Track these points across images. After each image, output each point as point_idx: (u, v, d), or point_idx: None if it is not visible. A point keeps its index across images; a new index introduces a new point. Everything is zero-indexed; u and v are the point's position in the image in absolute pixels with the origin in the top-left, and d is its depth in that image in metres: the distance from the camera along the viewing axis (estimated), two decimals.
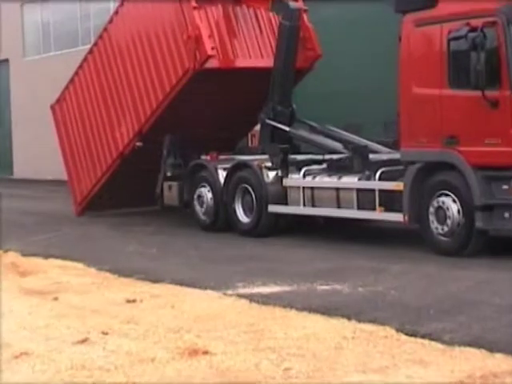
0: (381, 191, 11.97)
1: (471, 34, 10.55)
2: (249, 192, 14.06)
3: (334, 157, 13.44)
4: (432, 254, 11.09)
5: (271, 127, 14.54)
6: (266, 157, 14.10)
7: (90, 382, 6.12)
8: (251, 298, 8.78)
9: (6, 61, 34.89)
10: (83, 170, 17.74)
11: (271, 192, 13.70)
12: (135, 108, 15.95)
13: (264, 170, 13.82)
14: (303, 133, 14.63)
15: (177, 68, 14.81)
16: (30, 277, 10.66)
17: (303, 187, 13.25)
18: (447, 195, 11.09)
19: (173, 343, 7.00)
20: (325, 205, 12.90)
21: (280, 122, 14.44)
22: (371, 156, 12.92)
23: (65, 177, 18.84)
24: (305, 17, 14.95)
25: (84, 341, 7.18)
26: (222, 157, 15.02)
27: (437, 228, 11.18)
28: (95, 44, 17.37)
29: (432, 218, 11.24)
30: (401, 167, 11.87)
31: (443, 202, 11.10)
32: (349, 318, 7.66)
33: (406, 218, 11.54)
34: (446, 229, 11.10)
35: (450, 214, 11.02)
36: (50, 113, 18.88)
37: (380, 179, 12.12)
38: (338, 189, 12.69)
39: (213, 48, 14.29)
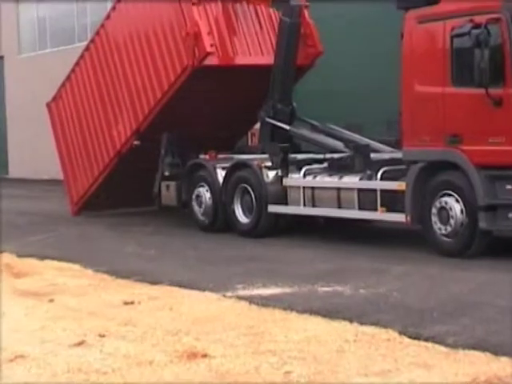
0: (382, 191, 11.96)
1: (475, 31, 10.53)
2: (248, 192, 14.05)
3: (335, 156, 13.42)
4: (435, 255, 11.08)
5: (271, 126, 14.52)
6: (265, 156, 14.08)
7: None
8: (251, 299, 8.77)
9: (1, 58, 34.90)
10: (80, 169, 17.73)
11: (271, 192, 13.68)
12: (133, 106, 15.93)
13: (264, 170, 13.81)
14: (304, 131, 14.61)
15: (175, 65, 14.79)
16: (25, 278, 10.65)
17: (303, 187, 13.23)
18: (450, 195, 11.07)
19: (171, 346, 6.98)
20: (325, 205, 12.88)
21: (280, 121, 14.42)
22: (373, 155, 12.91)
23: (61, 176, 18.82)
24: (306, 13, 14.93)
25: (80, 343, 7.18)
26: (220, 156, 15.01)
27: (440, 229, 11.17)
28: (92, 41, 17.35)
29: (435, 218, 11.22)
30: (403, 167, 11.86)
31: (446, 202, 11.09)
32: (350, 321, 7.64)
33: (409, 218, 11.52)
34: (448, 229, 11.09)
35: (453, 214, 11.01)
36: (45, 111, 18.86)
37: (382, 179, 12.10)
38: (338, 189, 12.68)
39: (212, 45, 14.27)
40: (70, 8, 30.57)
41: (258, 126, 15.58)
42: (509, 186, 10.49)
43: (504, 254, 10.92)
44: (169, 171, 15.49)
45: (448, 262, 10.66)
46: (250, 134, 18.31)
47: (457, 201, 11.00)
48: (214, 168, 14.64)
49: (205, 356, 6.64)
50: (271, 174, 13.78)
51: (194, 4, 14.50)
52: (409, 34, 11.63)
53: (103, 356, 6.76)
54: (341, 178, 12.75)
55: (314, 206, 13.09)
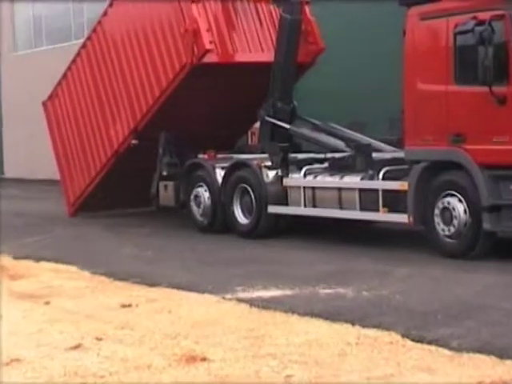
0: (384, 191, 11.95)
1: (478, 28, 10.52)
2: (248, 192, 14.03)
3: (336, 155, 13.40)
4: (438, 257, 11.07)
5: (271, 125, 14.51)
6: (265, 156, 14.07)
7: None
8: (251, 302, 8.76)
9: None
10: (76, 169, 17.72)
11: (271, 192, 13.67)
12: (130, 104, 15.92)
13: (263, 170, 13.80)
14: (304, 130, 14.59)
15: (174, 63, 14.77)
16: (21, 280, 10.64)
17: (304, 187, 13.22)
18: (453, 195, 11.06)
19: (170, 349, 6.97)
20: (326, 205, 12.87)
21: (280, 120, 14.41)
22: (374, 155, 12.90)
23: (58, 176, 18.80)
24: (307, 9, 14.92)
25: (77, 347, 7.17)
26: (219, 155, 15.00)
27: (443, 230, 11.15)
28: (89, 38, 17.33)
29: (438, 219, 11.21)
30: (405, 166, 11.85)
31: (449, 203, 11.07)
32: (353, 323, 7.64)
33: (411, 219, 11.51)
34: (452, 230, 11.08)
35: (457, 214, 10.99)
36: (41, 109, 18.84)
37: (384, 179, 12.09)
38: (339, 189, 12.67)
39: (211, 42, 14.26)
40: (66, 4, 30.53)
41: (258, 124, 15.57)
42: None
43: (509, 256, 10.91)
44: (167, 171, 15.48)
45: (451, 264, 10.65)
46: (249, 133, 18.30)
47: (460, 201, 10.99)
48: (213, 168, 14.63)
49: (204, 360, 6.62)
50: (271, 173, 13.77)
51: (193, 1, 14.48)
52: (411, 31, 11.61)
53: (100, 360, 6.75)
54: (342, 177, 12.74)
55: (314, 206, 13.08)
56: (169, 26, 14.93)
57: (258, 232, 13.84)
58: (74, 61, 17.62)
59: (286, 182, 13.61)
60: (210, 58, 14.37)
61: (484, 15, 10.58)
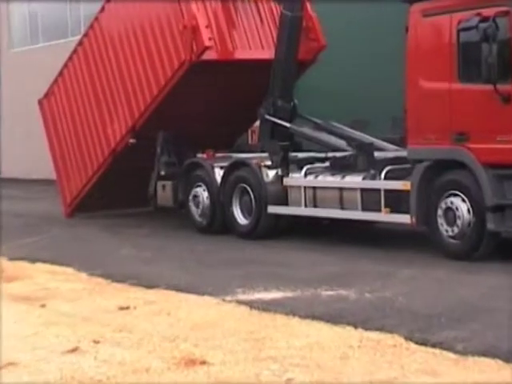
0: (387, 191, 11.93)
1: (482, 25, 10.50)
2: (247, 192, 14.02)
3: (338, 155, 13.38)
4: (441, 258, 11.06)
5: (271, 123, 14.48)
6: (265, 155, 14.06)
7: None
8: (251, 304, 8.75)
9: None
10: (73, 169, 17.70)
11: (271, 192, 13.65)
12: (128, 103, 15.89)
13: (263, 169, 13.78)
14: (305, 129, 14.57)
15: (172, 60, 14.74)
16: (17, 282, 10.63)
17: (304, 187, 13.21)
18: (457, 195, 11.04)
19: (168, 352, 6.96)
20: (327, 205, 12.86)
21: (280, 118, 14.39)
22: (376, 154, 12.88)
23: (54, 176, 18.77)
24: (308, 6, 14.90)
25: (74, 350, 7.16)
26: (218, 155, 14.99)
27: (446, 230, 11.13)
28: (86, 34, 17.30)
29: (441, 219, 11.19)
30: (408, 166, 11.83)
31: (452, 203, 11.06)
32: (355, 326, 7.62)
33: (414, 219, 11.49)
34: (455, 231, 11.06)
35: (460, 215, 10.98)
36: (38, 108, 18.81)
37: (386, 178, 12.07)
38: (341, 188, 12.65)
39: (210, 39, 14.23)
40: (62, 1, 30.50)
41: (258, 123, 15.54)
42: None
43: None
44: (165, 170, 15.46)
45: (455, 265, 10.64)
46: (250, 132, 18.29)
47: (463, 201, 10.97)
48: (212, 167, 14.61)
49: (203, 363, 6.62)
50: (271, 173, 13.75)
51: None
52: (414, 28, 11.60)
53: (98, 363, 6.75)
54: (343, 177, 12.72)
55: (315, 206, 13.06)
56: (167, 23, 14.90)
57: (258, 233, 13.82)
58: (70, 58, 17.60)
59: (287, 181, 13.59)
60: (210, 55, 14.34)
61: (488, 11, 10.56)
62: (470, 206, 10.91)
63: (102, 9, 16.76)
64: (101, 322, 8.18)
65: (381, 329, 7.48)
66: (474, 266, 10.53)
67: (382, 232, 13.95)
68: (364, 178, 12.39)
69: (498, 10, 10.53)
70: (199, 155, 15.11)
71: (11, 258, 12.43)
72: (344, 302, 8.84)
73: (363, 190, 12.29)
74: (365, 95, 18.82)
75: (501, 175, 10.61)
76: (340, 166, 13.04)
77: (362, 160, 12.70)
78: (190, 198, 14.99)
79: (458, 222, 11.01)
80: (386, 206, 11.90)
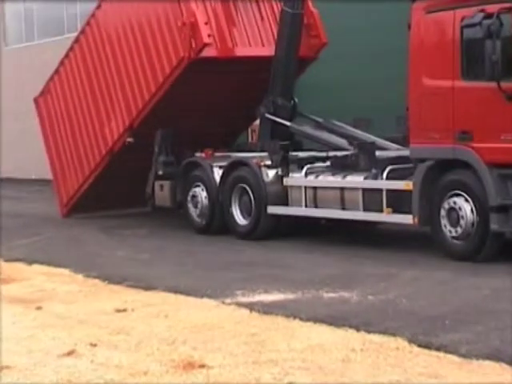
0: (389, 191, 11.92)
1: (486, 21, 10.49)
2: (247, 192, 14.00)
3: (339, 154, 13.38)
4: (445, 259, 11.05)
5: (271, 122, 14.49)
6: (265, 154, 14.04)
7: None
8: (251, 306, 8.74)
9: None
10: (69, 168, 17.69)
11: (271, 192, 13.64)
12: (126, 100, 15.88)
13: (263, 169, 13.77)
14: (305, 128, 14.57)
15: (171, 57, 14.73)
16: (13, 284, 10.64)
17: (305, 187, 13.20)
18: (460, 195, 11.03)
19: (167, 355, 6.96)
20: (328, 206, 12.85)
21: (280, 117, 14.39)
22: (378, 153, 12.87)
23: (51, 176, 18.75)
24: (309, 2, 14.89)
25: (70, 353, 7.15)
26: (217, 154, 14.97)
27: (450, 231, 11.12)
28: (82, 31, 17.29)
29: (444, 219, 11.18)
30: (410, 165, 11.83)
31: (455, 203, 11.04)
32: (357, 329, 7.62)
33: (416, 219, 11.48)
34: (459, 231, 11.05)
35: (464, 215, 10.96)
36: (33, 106, 18.79)
37: (388, 178, 12.07)
38: (342, 188, 12.65)
39: (209, 35, 14.22)
40: None
41: (258, 122, 15.53)
42: None
43: None
44: (163, 170, 15.44)
45: (459, 266, 10.63)
46: (250, 131, 18.27)
47: (467, 201, 10.95)
48: (211, 167, 14.60)
49: (202, 366, 6.61)
50: (271, 173, 13.74)
51: None
52: (416, 25, 11.58)
53: (94, 366, 6.74)
54: (344, 177, 12.71)
55: (316, 206, 13.05)
56: (166, 19, 14.88)
57: (258, 233, 13.81)
58: (66, 55, 17.58)
59: (287, 181, 13.58)
60: (209, 52, 14.33)
61: (492, 8, 10.55)
62: (473, 206, 10.90)
63: (99, 5, 16.74)
64: (98, 325, 8.18)
65: (384, 331, 7.47)
66: (477, 267, 10.52)
67: (384, 233, 13.95)
68: (365, 178, 12.38)
69: (501, 7, 10.52)
70: (198, 154, 15.10)
71: (7, 260, 12.44)
72: (346, 304, 8.83)
73: (365, 190, 12.28)
74: (367, 93, 18.82)
75: (505, 175, 10.60)
76: (341, 166, 13.04)
77: (363, 159, 12.69)
78: (189, 198, 14.98)
79: (462, 222, 11.00)
80: (387, 207, 11.90)
